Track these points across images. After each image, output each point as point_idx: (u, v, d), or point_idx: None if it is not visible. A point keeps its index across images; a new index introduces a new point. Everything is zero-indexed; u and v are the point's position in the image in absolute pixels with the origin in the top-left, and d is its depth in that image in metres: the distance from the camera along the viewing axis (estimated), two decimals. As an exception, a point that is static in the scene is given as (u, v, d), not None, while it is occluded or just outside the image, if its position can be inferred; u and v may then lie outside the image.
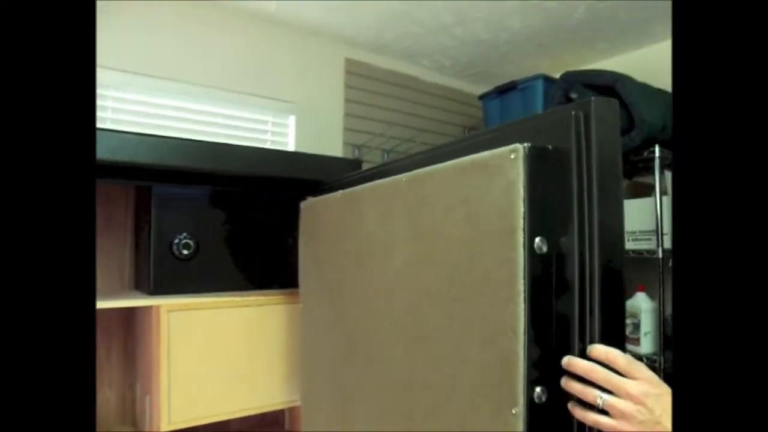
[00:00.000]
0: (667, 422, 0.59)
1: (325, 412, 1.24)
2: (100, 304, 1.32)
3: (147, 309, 1.35)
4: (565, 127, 0.70)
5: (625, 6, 1.71)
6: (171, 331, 1.31)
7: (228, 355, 1.38)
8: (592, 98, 0.69)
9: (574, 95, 1.67)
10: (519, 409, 0.67)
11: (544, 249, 0.69)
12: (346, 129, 2.12)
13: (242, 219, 1.51)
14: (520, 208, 0.68)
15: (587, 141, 0.69)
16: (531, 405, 0.67)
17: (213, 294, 1.41)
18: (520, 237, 0.68)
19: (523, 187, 0.69)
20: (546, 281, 0.70)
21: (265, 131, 1.98)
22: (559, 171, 0.70)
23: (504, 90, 2.03)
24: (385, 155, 2.19)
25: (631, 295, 1.66)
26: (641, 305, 1.64)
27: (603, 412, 0.63)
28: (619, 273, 0.69)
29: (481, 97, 2.14)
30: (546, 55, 2.14)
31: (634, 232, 1.64)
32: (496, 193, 0.72)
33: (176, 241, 1.41)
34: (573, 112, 0.70)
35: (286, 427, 1.72)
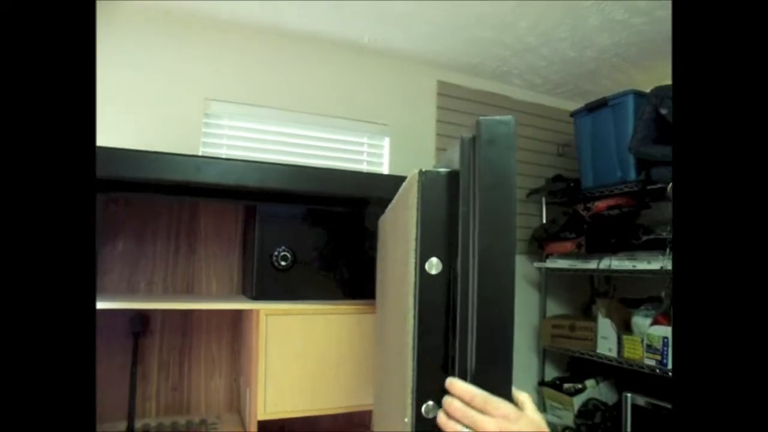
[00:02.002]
0: None
1: (388, 414, 1.35)
2: (213, 306, 1.55)
3: (249, 312, 1.55)
4: (459, 150, 0.71)
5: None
6: (268, 332, 1.49)
7: (318, 357, 1.53)
8: (480, 119, 0.67)
9: (664, 111, 1.63)
10: (409, 420, 0.71)
11: (434, 271, 0.71)
12: (439, 149, 2.21)
13: (334, 234, 1.66)
14: (413, 231, 0.72)
15: (474, 163, 0.68)
16: (419, 417, 0.69)
17: (306, 301, 1.57)
18: (412, 258, 0.72)
19: (417, 210, 0.72)
20: (435, 301, 0.71)
21: (361, 152, 2.14)
22: (451, 194, 0.71)
23: (594, 107, 2.01)
24: (476, 172, 2.25)
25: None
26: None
27: None
28: (503, 294, 0.66)
29: (573, 114, 2.13)
30: (638, 69, 2.09)
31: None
32: (405, 216, 0.77)
33: (276, 253, 1.60)
34: (462, 135, 0.70)
35: (372, 428, 1.84)
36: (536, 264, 2.25)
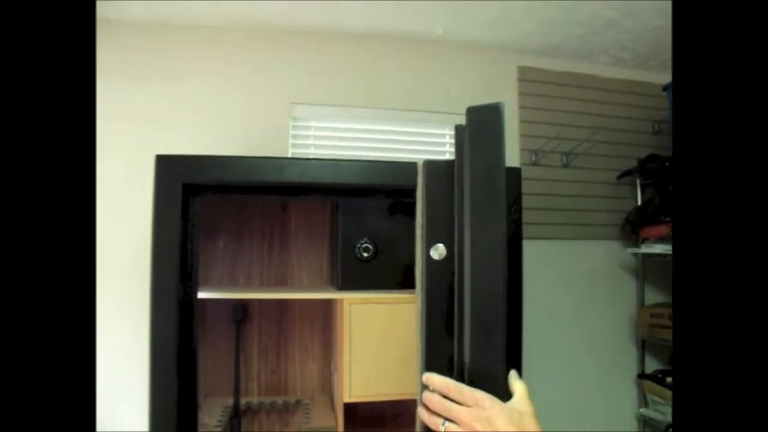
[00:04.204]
0: None
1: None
2: (303, 296, 1.68)
3: (335, 301, 1.65)
4: (455, 138, 0.73)
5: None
6: (352, 320, 1.59)
7: (400, 344, 1.60)
8: (469, 107, 0.67)
9: None
10: (418, 397, 0.73)
11: (437, 256, 0.73)
12: (523, 135, 2.18)
13: (411, 226, 1.71)
14: (420, 218, 0.75)
15: (462, 151, 0.68)
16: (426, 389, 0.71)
17: (388, 291, 1.64)
18: (420, 244, 0.75)
19: (422, 198, 0.74)
20: (440, 285, 0.73)
21: (443, 144, 2.17)
22: (449, 182, 0.73)
23: (690, 80, 1.86)
24: (563, 158, 2.19)
25: None
26: None
27: None
28: (493, 282, 0.67)
29: (666, 88, 2.00)
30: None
31: None
32: (417, 205, 0.80)
33: (359, 245, 1.68)
34: (456, 124, 0.72)
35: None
36: (631, 249, 2.14)
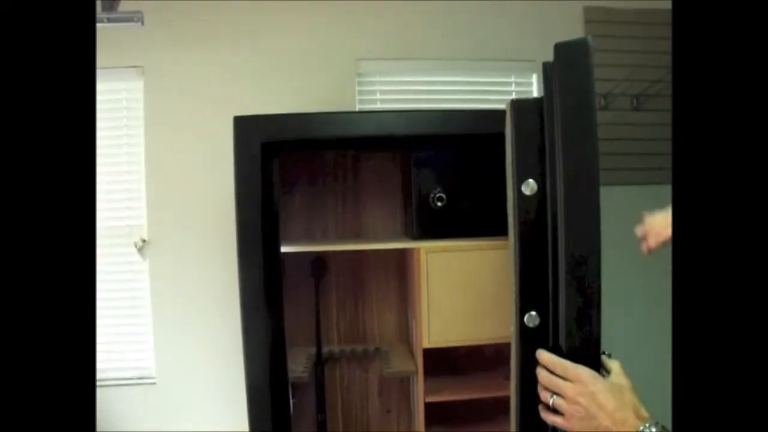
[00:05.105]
0: (603, 417, 0.63)
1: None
2: (378, 246, 1.72)
3: (411, 251, 1.69)
4: (543, 76, 0.73)
5: None
6: (429, 269, 1.62)
7: (477, 290, 1.62)
8: (557, 43, 0.67)
9: None
10: (513, 329, 0.75)
11: (529, 192, 0.74)
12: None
13: (485, 173, 1.71)
14: (510, 156, 0.75)
15: (551, 88, 0.68)
16: (522, 327, 0.75)
17: (462, 239, 1.66)
18: (511, 180, 0.76)
19: (511, 136, 0.75)
20: (532, 219, 0.74)
21: (509, 92, 2.14)
22: (538, 120, 0.73)
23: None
24: (634, 100, 2.12)
25: None
26: None
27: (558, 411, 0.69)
28: (588, 213, 0.68)
29: (748, 21, 1.89)
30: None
31: None
32: (505, 143, 0.80)
33: (432, 195, 1.70)
34: (544, 62, 0.71)
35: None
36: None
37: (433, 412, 1.68)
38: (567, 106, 0.69)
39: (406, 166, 1.79)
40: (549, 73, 0.73)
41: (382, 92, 2.04)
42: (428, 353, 1.65)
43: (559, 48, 0.71)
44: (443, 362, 1.78)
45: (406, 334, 1.93)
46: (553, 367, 0.71)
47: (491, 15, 2.06)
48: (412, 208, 1.71)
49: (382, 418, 1.94)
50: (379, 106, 2.03)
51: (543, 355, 0.73)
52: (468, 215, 1.70)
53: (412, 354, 1.78)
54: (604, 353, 0.74)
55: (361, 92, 2.01)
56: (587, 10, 2.10)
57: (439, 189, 1.70)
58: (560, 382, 0.69)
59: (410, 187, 1.72)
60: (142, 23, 1.55)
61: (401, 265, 1.94)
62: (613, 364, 0.72)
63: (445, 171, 1.71)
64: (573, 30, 2.10)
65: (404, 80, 2.06)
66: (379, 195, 1.93)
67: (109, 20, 1.54)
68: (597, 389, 0.66)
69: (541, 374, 0.72)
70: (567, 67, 0.70)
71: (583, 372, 0.68)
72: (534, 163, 0.76)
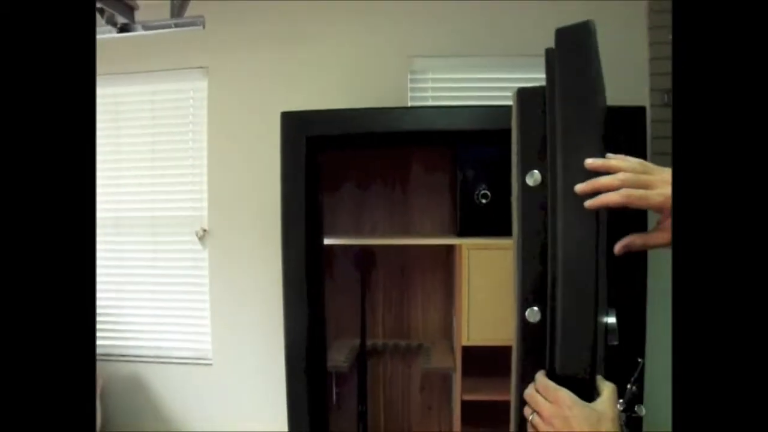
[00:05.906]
0: None
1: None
2: (422, 241, 1.74)
3: (455, 247, 1.69)
4: (545, 62, 0.69)
5: None
6: (471, 266, 1.62)
7: (519, 290, 1.60)
8: (558, 28, 0.63)
9: None
10: (515, 324, 0.72)
11: (532, 183, 0.70)
12: (654, 74, 2.01)
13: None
14: (515, 146, 0.72)
15: (553, 75, 0.64)
16: (523, 321, 0.71)
17: (506, 237, 1.64)
18: (515, 171, 0.72)
19: (516, 126, 0.71)
20: (533, 210, 0.71)
21: (563, 89, 2.08)
22: (543, 109, 0.69)
23: None
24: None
25: None
26: None
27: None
28: (586, 225, 0.65)
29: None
30: None
31: None
32: (512, 132, 0.77)
33: (477, 191, 1.70)
34: (547, 48, 0.67)
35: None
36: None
37: (472, 410, 1.67)
38: (566, 93, 0.67)
39: (453, 162, 1.79)
40: (551, 59, 0.70)
41: (434, 89, 2.04)
42: (469, 351, 1.64)
43: (561, 32, 0.68)
44: (485, 361, 1.76)
45: (450, 331, 1.93)
46: (538, 385, 0.70)
47: (545, 12, 2.01)
48: (457, 205, 1.71)
49: (423, 414, 1.95)
50: (430, 104, 2.04)
51: (538, 377, 0.72)
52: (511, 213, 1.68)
53: (453, 352, 1.77)
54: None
55: (413, 89, 2.03)
56: (651, 2, 2.00)
57: (484, 186, 1.69)
58: (540, 400, 0.69)
59: (456, 183, 1.72)
60: (204, 27, 1.66)
61: (448, 263, 1.94)
62: (606, 389, 0.69)
63: (491, 168, 1.70)
64: (635, 23, 2.01)
65: (457, 77, 2.05)
66: (428, 192, 1.94)
67: (177, 25, 1.66)
68: (572, 414, 0.65)
69: (528, 390, 0.72)
70: (568, 51, 0.68)
71: (562, 394, 0.67)
72: (539, 153, 0.73)
